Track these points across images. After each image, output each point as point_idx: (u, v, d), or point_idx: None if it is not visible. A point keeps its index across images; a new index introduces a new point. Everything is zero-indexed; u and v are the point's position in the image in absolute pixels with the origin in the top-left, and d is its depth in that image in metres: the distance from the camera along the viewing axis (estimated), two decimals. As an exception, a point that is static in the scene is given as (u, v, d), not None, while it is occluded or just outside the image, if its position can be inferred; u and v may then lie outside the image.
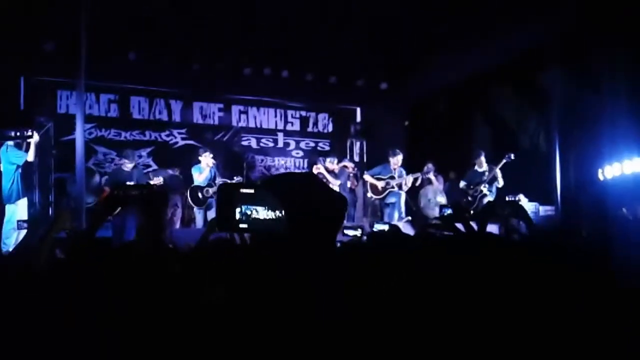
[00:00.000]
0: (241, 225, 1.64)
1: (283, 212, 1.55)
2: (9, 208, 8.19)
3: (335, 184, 10.41)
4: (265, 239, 1.66)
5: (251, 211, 1.59)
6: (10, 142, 8.26)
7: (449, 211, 10.47)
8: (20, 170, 8.26)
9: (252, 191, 1.65)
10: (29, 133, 8.15)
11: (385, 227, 6.92)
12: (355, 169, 11.50)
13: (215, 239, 3.11)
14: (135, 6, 9.13)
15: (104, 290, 1.88)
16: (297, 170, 12.68)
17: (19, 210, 8.23)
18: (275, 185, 1.67)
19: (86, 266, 2.16)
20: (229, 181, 10.20)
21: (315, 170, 10.83)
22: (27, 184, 8.47)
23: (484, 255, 2.33)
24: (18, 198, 8.24)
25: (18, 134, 8.17)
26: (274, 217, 1.56)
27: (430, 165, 10.85)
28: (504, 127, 11.13)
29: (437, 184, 11.07)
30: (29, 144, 8.27)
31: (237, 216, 1.60)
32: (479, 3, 9.03)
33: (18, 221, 7.95)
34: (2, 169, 8.24)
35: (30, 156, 8.22)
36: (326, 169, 10.72)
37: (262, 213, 1.58)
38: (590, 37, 8.88)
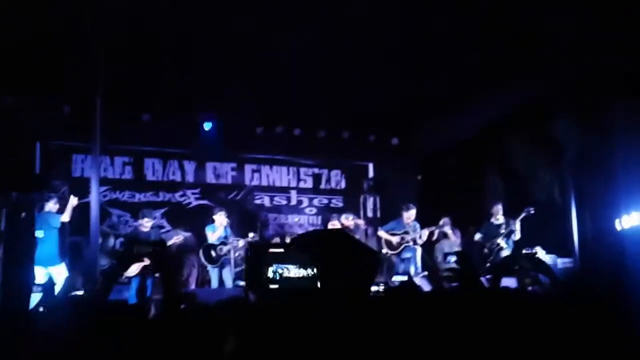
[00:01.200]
0: (272, 286, 1.65)
1: (315, 269, 1.55)
2: (52, 270, 8.46)
3: None
4: (295, 296, 1.66)
5: (282, 270, 1.61)
6: (52, 209, 8.67)
7: (454, 258, 10.42)
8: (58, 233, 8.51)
9: (282, 250, 1.67)
10: (46, 197, 8.31)
11: (404, 278, 6.85)
12: (366, 225, 11.50)
13: (230, 298, 3.11)
14: (147, 68, 9.34)
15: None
16: (325, 228, 12.66)
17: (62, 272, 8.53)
18: (307, 244, 1.68)
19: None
20: (245, 240, 10.24)
21: (330, 226, 10.85)
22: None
23: (496, 310, 2.31)
24: (61, 261, 8.55)
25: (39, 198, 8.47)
26: (305, 275, 1.57)
27: (446, 219, 10.83)
28: (517, 179, 11.11)
29: (454, 237, 11.03)
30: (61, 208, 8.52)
31: (270, 275, 1.61)
32: (489, 55, 9.16)
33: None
34: (43, 234, 8.49)
35: (66, 216, 8.42)
36: (342, 224, 10.72)
37: (293, 271, 1.59)
38: (602, 85, 8.95)
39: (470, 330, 1.97)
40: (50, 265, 8.47)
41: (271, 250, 1.44)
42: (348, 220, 10.86)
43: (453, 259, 10.37)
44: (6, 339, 2.31)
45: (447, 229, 10.90)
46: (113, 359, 1.87)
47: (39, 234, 8.48)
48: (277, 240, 11.30)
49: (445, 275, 3.68)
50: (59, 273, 8.42)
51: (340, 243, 1.72)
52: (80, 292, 4.27)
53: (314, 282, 1.61)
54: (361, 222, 11.33)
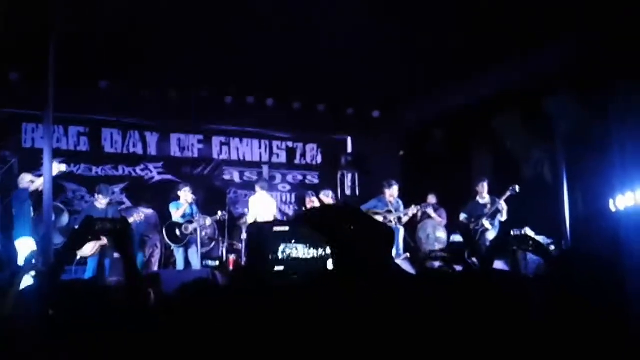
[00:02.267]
0: (277, 268, 1.59)
1: (325, 250, 1.51)
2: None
3: None
4: (305, 278, 1.63)
5: (291, 250, 1.55)
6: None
7: (458, 237, 10.49)
8: None
9: (286, 229, 1.61)
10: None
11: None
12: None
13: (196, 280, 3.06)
14: (105, 31, 9.09)
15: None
16: (278, 203, 12.61)
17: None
18: (316, 219, 1.63)
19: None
20: (212, 218, 10.13)
21: (309, 204, 10.80)
22: None
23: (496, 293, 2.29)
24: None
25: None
26: (316, 255, 1.52)
27: (430, 198, 10.88)
28: (506, 156, 11.14)
29: (439, 218, 11.06)
30: None
31: (280, 255, 1.55)
32: (480, 27, 9.11)
33: None
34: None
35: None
36: (321, 202, 10.67)
37: (302, 251, 1.54)
38: (597, 62, 8.98)
39: (462, 315, 1.93)
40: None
41: (276, 228, 1.40)
42: (327, 197, 10.81)
43: (457, 237, 10.45)
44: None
45: (430, 210, 10.94)
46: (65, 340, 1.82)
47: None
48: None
49: (440, 256, 3.67)
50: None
51: (353, 219, 1.68)
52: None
53: (324, 263, 1.56)
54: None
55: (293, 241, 1.59)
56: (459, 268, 3.81)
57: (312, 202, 10.76)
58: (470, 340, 1.71)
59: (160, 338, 1.90)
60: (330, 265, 1.60)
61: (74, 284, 2.70)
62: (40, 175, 8.56)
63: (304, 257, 1.57)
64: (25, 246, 8.47)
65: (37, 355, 1.81)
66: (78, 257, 8.83)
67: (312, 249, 1.55)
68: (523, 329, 1.87)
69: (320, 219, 1.70)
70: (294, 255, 1.57)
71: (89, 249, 8.84)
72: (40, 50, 7.99)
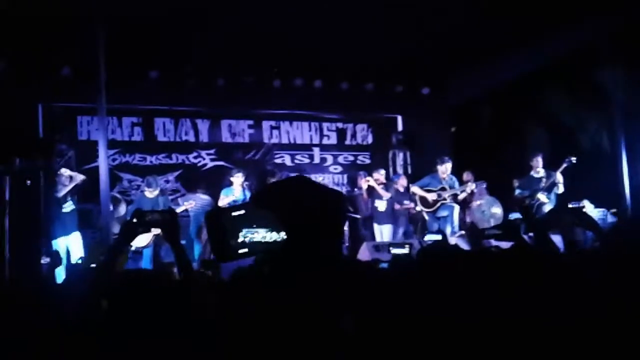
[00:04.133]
0: (241, 251, 1.59)
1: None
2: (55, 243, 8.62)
3: (386, 197, 10.48)
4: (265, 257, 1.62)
5: (253, 234, 1.55)
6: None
7: (516, 216, 10.36)
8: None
9: (242, 212, 1.61)
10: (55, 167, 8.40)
11: (439, 237, 6.82)
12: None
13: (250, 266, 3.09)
14: (153, 22, 9.21)
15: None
16: (330, 185, 12.62)
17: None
18: (264, 199, 1.60)
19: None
20: None
21: (364, 184, 10.82)
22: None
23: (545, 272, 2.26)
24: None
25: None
26: (277, 238, 1.52)
27: (466, 175, 10.78)
28: (560, 128, 10.91)
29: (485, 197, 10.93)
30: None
31: (240, 240, 1.55)
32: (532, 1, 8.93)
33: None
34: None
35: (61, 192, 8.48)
36: (376, 181, 10.68)
37: (265, 236, 1.53)
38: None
39: (516, 291, 1.92)
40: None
41: (232, 213, 1.41)
42: (382, 176, 10.83)
43: (515, 216, 10.33)
44: (17, 313, 2.32)
45: (483, 187, 10.82)
46: (127, 329, 1.86)
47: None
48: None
49: (494, 234, 3.61)
50: (64, 244, 8.53)
51: (297, 190, 1.64)
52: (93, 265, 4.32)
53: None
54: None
55: (254, 225, 1.60)
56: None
57: (367, 181, 10.76)
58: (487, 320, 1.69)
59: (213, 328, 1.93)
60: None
61: (127, 275, 2.76)
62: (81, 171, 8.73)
63: (266, 240, 1.58)
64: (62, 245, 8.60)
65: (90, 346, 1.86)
66: (133, 248, 8.99)
67: (273, 232, 1.55)
68: (570, 305, 1.84)
69: (266, 197, 1.67)
70: (256, 239, 1.57)
71: (143, 240, 8.99)
72: (91, 43, 8.16)
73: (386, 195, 10.46)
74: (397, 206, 10.67)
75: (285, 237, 1.54)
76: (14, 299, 2.71)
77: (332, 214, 1.64)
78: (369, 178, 10.85)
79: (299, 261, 1.56)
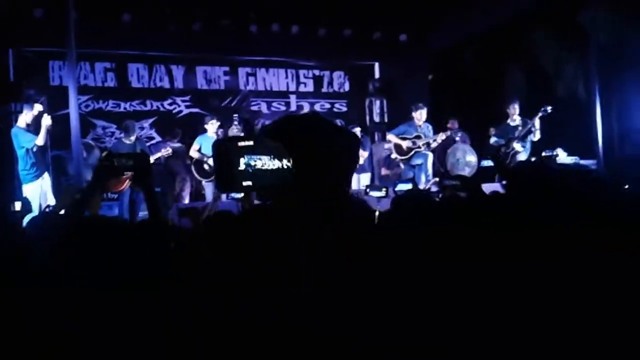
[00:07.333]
0: (245, 183, 1.56)
1: (290, 160, 1.47)
2: (26, 188, 8.32)
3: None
4: (272, 193, 1.60)
5: (255, 161, 1.51)
6: (21, 124, 8.34)
7: (488, 163, 10.42)
8: (31, 153, 8.32)
9: (251, 143, 1.57)
10: (18, 108, 8.19)
11: (409, 186, 6.84)
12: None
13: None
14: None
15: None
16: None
17: (42, 188, 8.40)
18: (278, 131, 1.60)
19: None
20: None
21: None
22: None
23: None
24: (33, 179, 8.36)
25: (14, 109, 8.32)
26: (281, 166, 1.49)
27: (451, 122, 10.76)
28: (537, 75, 10.90)
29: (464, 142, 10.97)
30: (39, 125, 8.32)
31: (242, 167, 1.51)
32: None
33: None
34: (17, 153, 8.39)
35: (41, 140, 8.24)
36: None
37: (267, 163, 1.50)
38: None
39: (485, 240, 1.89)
40: (24, 183, 8.44)
41: (239, 143, 1.38)
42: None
43: (487, 163, 10.38)
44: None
45: (457, 136, 10.83)
46: (98, 273, 1.84)
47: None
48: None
49: (449, 185, 3.63)
50: (33, 190, 8.36)
51: (314, 126, 1.64)
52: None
53: (290, 174, 1.52)
54: None
55: (257, 153, 1.57)
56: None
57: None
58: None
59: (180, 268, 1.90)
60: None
61: (94, 221, 2.72)
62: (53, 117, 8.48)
63: (268, 167, 1.54)
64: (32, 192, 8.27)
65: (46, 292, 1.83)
66: (110, 195, 8.93)
67: (276, 159, 1.52)
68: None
69: (280, 130, 1.66)
70: (258, 166, 1.54)
71: (118, 185, 8.93)
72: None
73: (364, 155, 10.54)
74: (384, 171, 10.79)
75: (289, 165, 1.51)
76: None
77: (346, 154, 1.66)
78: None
79: (304, 197, 1.56)
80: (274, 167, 1.53)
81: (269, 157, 1.53)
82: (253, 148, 1.54)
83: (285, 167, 1.52)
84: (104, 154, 2.72)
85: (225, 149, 1.58)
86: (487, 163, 10.53)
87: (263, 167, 1.54)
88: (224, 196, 9.74)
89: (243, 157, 1.53)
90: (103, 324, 1.64)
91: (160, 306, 1.66)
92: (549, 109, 9.70)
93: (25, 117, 8.35)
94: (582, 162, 9.81)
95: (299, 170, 1.52)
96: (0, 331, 1.62)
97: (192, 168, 10.12)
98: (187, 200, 10.46)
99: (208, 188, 10.05)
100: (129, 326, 1.65)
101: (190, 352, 1.53)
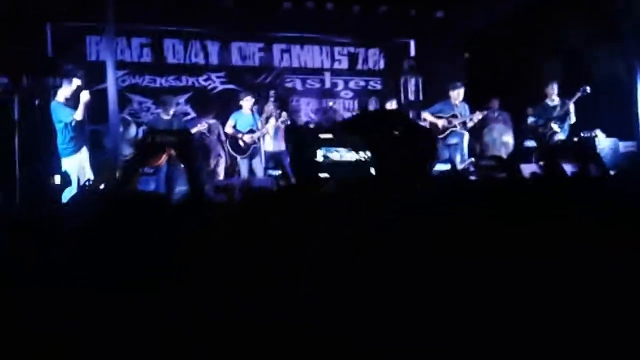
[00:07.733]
0: (321, 174, 1.58)
1: (368, 152, 1.48)
2: (64, 162, 8.36)
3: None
4: (349, 184, 1.60)
5: (332, 153, 1.53)
6: (60, 99, 8.37)
7: (526, 143, 10.30)
8: (69, 127, 8.36)
9: (330, 136, 1.59)
10: (57, 83, 8.26)
11: (447, 167, 6.79)
12: None
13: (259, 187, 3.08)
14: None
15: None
16: (340, 111, 12.56)
17: (80, 162, 8.43)
18: (359, 125, 1.62)
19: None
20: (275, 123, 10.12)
21: None
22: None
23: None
24: (72, 153, 8.39)
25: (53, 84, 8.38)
26: (359, 159, 1.49)
27: (493, 102, 10.61)
28: (578, 56, 10.71)
29: (502, 122, 10.84)
30: (77, 100, 8.35)
31: (320, 159, 1.54)
32: None
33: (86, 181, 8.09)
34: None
35: (79, 114, 8.28)
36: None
37: (345, 155, 1.52)
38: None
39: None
40: (63, 157, 8.49)
41: (320, 135, 1.39)
42: (392, 105, 10.75)
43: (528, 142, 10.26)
44: (26, 235, 2.31)
45: (495, 115, 10.73)
46: (136, 249, 1.85)
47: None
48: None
49: (485, 165, 3.60)
50: (72, 165, 8.40)
51: (395, 122, 1.64)
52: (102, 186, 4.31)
53: (369, 167, 1.52)
54: None
55: (335, 146, 1.55)
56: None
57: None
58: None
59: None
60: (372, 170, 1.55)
61: (136, 197, 2.74)
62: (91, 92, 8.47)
63: (347, 160, 1.53)
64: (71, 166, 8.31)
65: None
66: (147, 169, 8.98)
67: (353, 152, 1.52)
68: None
69: (360, 124, 1.66)
70: (335, 158, 1.53)
71: (157, 160, 8.98)
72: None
73: None
74: None
75: (367, 157, 1.53)
76: (24, 220, 2.70)
77: (425, 149, 1.67)
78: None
79: (379, 189, 1.57)
80: (352, 160, 1.54)
81: (346, 150, 1.54)
82: (332, 140, 1.55)
83: (363, 159, 1.52)
84: (148, 129, 2.74)
85: (304, 138, 1.59)
86: (526, 143, 10.41)
87: (341, 159, 1.55)
88: (260, 172, 9.79)
89: (321, 148, 1.54)
90: (144, 297, 1.66)
91: (200, 288, 1.67)
92: (588, 89, 9.55)
93: (64, 92, 8.37)
94: (622, 143, 9.67)
95: (380, 162, 1.52)
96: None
97: (227, 144, 10.17)
98: (222, 177, 10.52)
99: (243, 165, 10.09)
100: (173, 299, 1.66)
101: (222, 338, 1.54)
